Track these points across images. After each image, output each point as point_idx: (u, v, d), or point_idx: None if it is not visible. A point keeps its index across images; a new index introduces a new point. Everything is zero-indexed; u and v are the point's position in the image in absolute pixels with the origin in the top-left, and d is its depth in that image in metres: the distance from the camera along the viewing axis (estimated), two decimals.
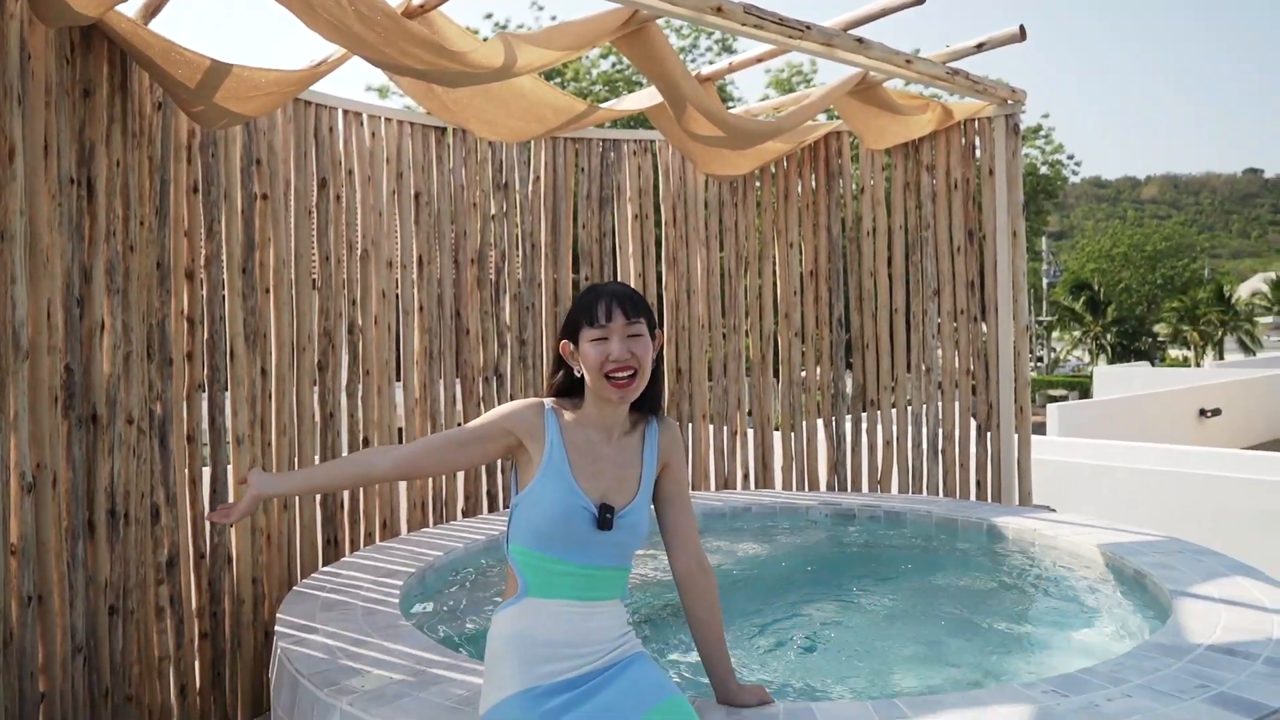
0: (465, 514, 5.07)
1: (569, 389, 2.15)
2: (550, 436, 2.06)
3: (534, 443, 2.07)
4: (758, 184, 5.94)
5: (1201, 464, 6.97)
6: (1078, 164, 29.88)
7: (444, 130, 4.95)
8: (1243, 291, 41.83)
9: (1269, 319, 40.92)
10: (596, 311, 2.04)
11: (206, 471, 3.80)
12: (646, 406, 2.17)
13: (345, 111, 4.45)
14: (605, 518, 2.00)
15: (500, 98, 4.29)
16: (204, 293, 3.75)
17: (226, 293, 3.83)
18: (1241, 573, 3.38)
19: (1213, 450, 7.04)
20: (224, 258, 3.82)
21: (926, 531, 4.66)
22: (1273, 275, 44.44)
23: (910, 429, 5.49)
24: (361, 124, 4.55)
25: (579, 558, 2.01)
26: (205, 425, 3.76)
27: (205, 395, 3.75)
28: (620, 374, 2.03)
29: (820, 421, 5.84)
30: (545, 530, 2.00)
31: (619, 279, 5.65)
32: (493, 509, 5.15)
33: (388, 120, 4.69)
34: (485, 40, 3.25)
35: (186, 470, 3.60)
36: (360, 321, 4.53)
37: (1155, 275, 41.15)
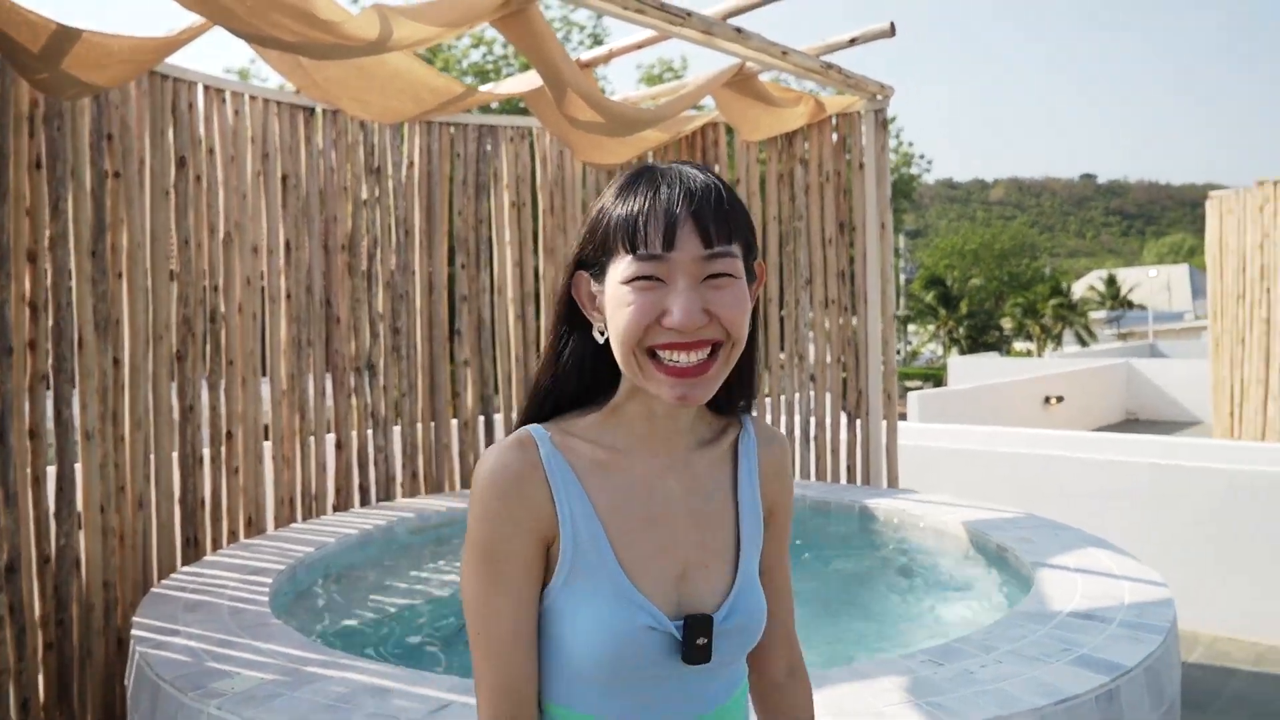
0: (336, 508, 4.88)
1: (586, 381, 1.11)
2: (564, 498, 1.05)
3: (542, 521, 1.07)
4: None
5: (1052, 445, 7.40)
6: (929, 163, 31.47)
7: (313, 111, 4.75)
8: (1078, 288, 44.79)
9: (1102, 314, 43.96)
10: (645, 227, 1.00)
11: (52, 470, 3.53)
12: (738, 395, 1.16)
13: (206, 87, 4.21)
14: (697, 645, 1.05)
15: (375, 76, 4.15)
16: (49, 277, 3.47)
17: (74, 277, 3.57)
18: (1094, 544, 3.59)
19: (1063, 433, 7.50)
20: (71, 239, 3.55)
21: (801, 515, 4.78)
22: (1105, 273, 47.86)
23: (784, 417, 5.61)
24: (224, 101, 4.31)
25: (657, 712, 1.07)
26: (50, 420, 3.49)
27: (50, 387, 3.48)
28: (683, 353, 1.00)
29: None
30: (588, 673, 1.04)
31: (495, 267, 5.55)
32: (364, 503, 4.97)
33: (252, 98, 4.46)
34: (359, 12, 3.12)
35: (29, 469, 3.33)
36: (223, 309, 4.30)
37: (1002, 272, 43.58)
